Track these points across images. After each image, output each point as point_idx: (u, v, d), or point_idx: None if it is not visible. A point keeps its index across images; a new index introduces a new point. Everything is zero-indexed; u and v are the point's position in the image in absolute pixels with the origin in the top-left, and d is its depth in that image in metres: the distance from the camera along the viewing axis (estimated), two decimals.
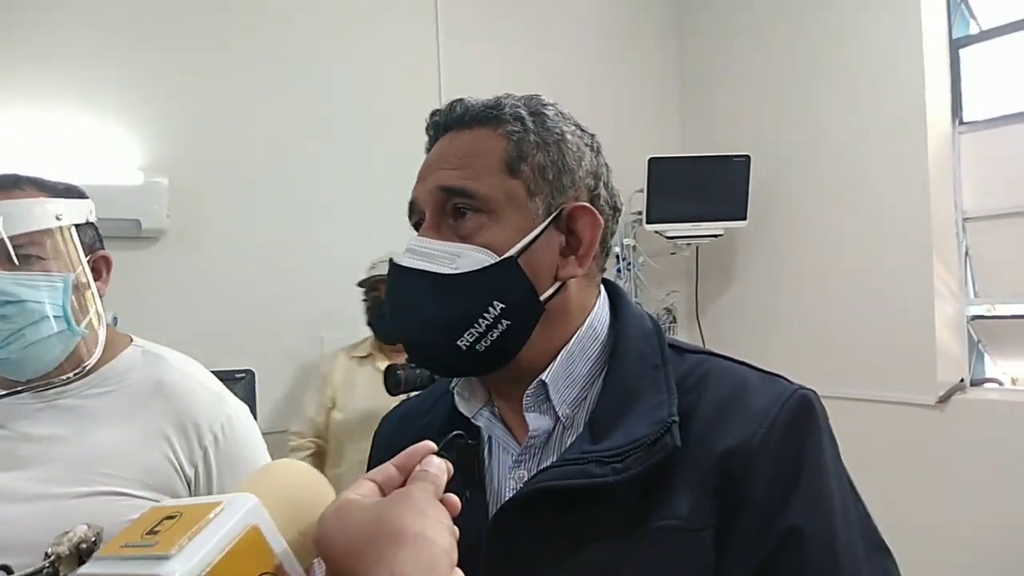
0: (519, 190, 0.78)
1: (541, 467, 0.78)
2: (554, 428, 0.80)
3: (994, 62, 2.90)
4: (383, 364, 2.37)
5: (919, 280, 2.89)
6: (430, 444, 0.66)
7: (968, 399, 2.84)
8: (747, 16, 3.52)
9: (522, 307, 0.77)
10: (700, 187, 3.34)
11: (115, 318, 2.19)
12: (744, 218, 3.33)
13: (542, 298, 0.78)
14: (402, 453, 0.66)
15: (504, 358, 0.78)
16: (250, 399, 2.43)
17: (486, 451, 0.84)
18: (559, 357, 0.80)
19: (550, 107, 0.83)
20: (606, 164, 0.86)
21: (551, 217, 0.79)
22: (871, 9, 3.04)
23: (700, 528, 0.71)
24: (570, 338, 0.81)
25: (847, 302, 3.13)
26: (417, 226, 0.83)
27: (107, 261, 1.23)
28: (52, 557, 0.76)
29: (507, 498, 0.79)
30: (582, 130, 0.85)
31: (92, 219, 1.21)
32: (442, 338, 0.77)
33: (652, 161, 3.26)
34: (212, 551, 0.52)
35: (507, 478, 0.81)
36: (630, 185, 3.31)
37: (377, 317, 2.57)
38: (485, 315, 0.76)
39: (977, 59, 2.94)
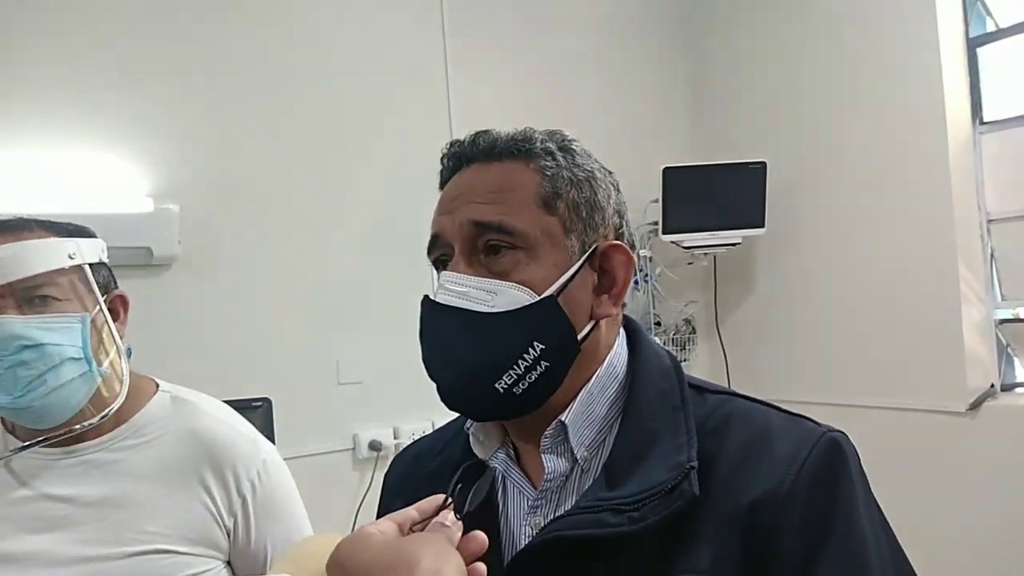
0: (556, 227, 0.76)
1: (558, 513, 0.75)
2: (572, 471, 0.77)
3: (1012, 60, 2.84)
4: None
5: (944, 284, 2.83)
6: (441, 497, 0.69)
7: (1000, 405, 2.76)
8: (759, 19, 3.47)
9: (561, 348, 0.74)
10: (716, 195, 3.29)
11: (129, 349, 2.17)
12: (762, 225, 3.28)
13: (579, 337, 0.75)
14: (423, 501, 0.68)
15: (538, 401, 0.75)
16: (268, 427, 2.40)
17: (500, 495, 0.81)
18: (579, 397, 0.77)
19: (576, 143, 0.82)
20: (624, 203, 0.85)
21: (587, 255, 0.77)
22: (886, 9, 2.99)
23: None
24: (591, 377, 0.78)
25: (870, 307, 3.07)
26: (438, 261, 0.80)
27: (124, 301, 1.21)
28: None
29: (522, 545, 0.76)
30: (605, 168, 0.84)
31: (105, 258, 1.19)
32: (481, 381, 0.74)
33: (667, 171, 3.22)
34: None
35: (523, 524, 0.78)
36: (645, 195, 3.27)
37: None
38: (525, 356, 0.73)
39: (995, 58, 2.88)
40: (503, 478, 0.82)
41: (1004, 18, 2.86)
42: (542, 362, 0.73)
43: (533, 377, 0.73)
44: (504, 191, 0.76)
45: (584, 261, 0.77)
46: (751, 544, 0.68)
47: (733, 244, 3.34)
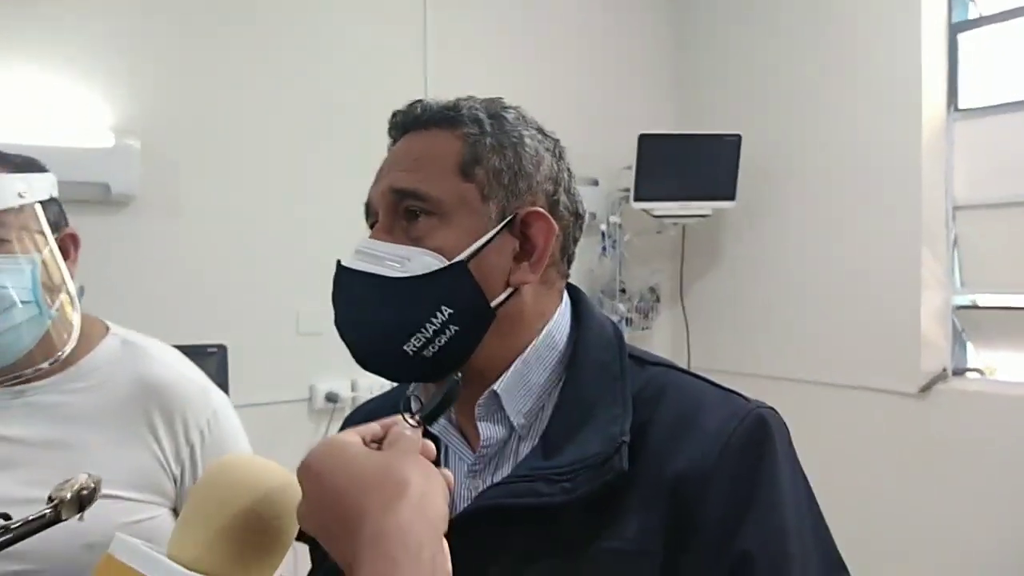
0: (472, 193, 0.77)
1: (495, 478, 0.77)
2: (509, 437, 0.79)
3: (993, 48, 2.84)
4: None
5: (907, 268, 2.86)
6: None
7: (950, 389, 2.82)
8: None
9: (471, 312, 0.75)
10: (689, 165, 3.27)
11: (82, 288, 2.12)
12: (733, 199, 3.28)
13: (493, 304, 0.76)
14: (387, 419, 0.67)
15: (454, 364, 0.76)
16: (222, 374, 2.35)
17: (443, 458, 0.83)
18: (513, 366, 0.78)
19: (511, 110, 0.83)
20: (568, 169, 0.85)
21: (505, 222, 0.77)
22: None
23: (648, 551, 0.70)
24: (526, 347, 0.79)
25: (833, 287, 3.10)
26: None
27: (75, 239, 1.16)
28: (56, 502, 0.77)
29: (460, 509, 0.77)
30: (544, 134, 0.84)
31: (55, 194, 1.14)
32: (388, 343, 0.76)
33: (642, 138, 3.19)
34: None
35: (462, 487, 0.80)
36: (619, 162, 3.25)
37: None
38: (432, 320, 0.74)
39: (976, 45, 2.88)
40: (444, 443, 0.83)
41: (988, 5, 2.85)
42: (451, 326, 0.74)
43: (443, 341, 0.75)
44: (424, 159, 0.78)
45: (502, 228, 0.77)
46: (676, 514, 0.70)
47: (703, 215, 3.34)
